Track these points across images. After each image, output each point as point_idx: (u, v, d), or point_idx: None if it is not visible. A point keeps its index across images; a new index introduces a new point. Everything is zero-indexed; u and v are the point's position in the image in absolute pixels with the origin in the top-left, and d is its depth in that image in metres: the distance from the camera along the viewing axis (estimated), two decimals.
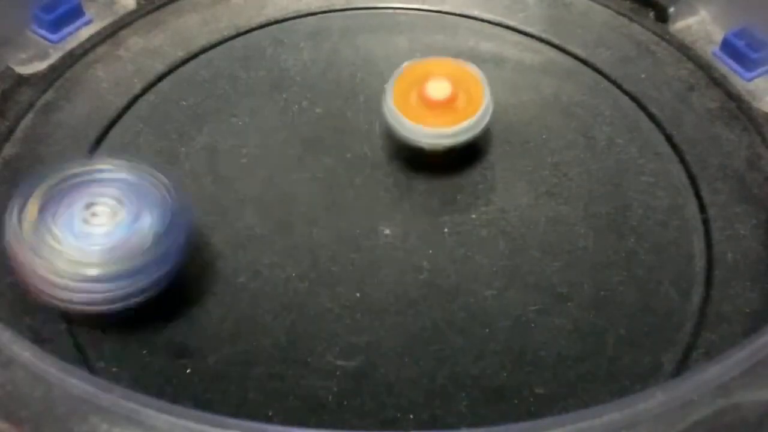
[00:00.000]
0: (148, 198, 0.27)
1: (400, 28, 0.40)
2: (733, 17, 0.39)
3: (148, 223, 0.26)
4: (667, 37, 0.39)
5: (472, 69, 0.33)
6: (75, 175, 0.27)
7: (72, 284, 0.25)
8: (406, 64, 0.34)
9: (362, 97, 0.37)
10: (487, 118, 0.32)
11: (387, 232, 0.32)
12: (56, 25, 0.39)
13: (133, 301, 0.26)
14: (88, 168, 0.27)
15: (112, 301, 0.26)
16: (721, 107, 0.36)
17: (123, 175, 0.27)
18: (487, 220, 0.32)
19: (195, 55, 0.38)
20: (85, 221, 0.26)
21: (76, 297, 0.26)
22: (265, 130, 0.35)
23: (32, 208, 0.26)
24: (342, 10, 0.40)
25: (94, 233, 0.26)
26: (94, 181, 0.27)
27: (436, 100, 0.32)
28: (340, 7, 0.40)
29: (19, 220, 0.25)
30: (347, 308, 0.30)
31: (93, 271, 0.25)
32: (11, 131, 0.35)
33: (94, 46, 0.38)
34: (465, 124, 0.32)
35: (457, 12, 0.40)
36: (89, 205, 0.26)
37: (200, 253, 0.31)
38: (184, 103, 0.36)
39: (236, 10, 0.40)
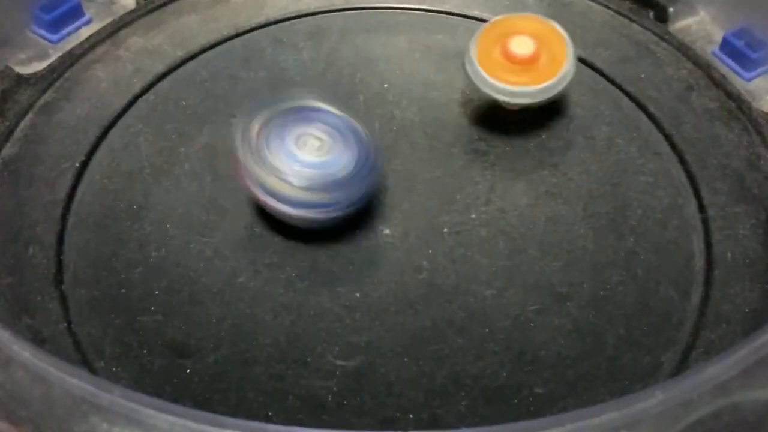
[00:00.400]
0: (348, 138, 0.31)
1: (400, 28, 0.40)
2: (733, 17, 0.39)
3: (346, 160, 0.30)
4: (667, 37, 0.39)
5: (559, 29, 0.34)
6: (293, 109, 0.31)
7: (274, 197, 0.30)
8: (492, 20, 0.34)
9: (362, 97, 0.37)
10: (568, 79, 0.33)
11: (387, 232, 0.32)
12: (56, 25, 0.39)
13: (322, 220, 0.30)
14: (304, 104, 0.32)
15: (307, 217, 0.30)
16: (720, 107, 0.36)
17: (329, 116, 0.31)
18: (487, 220, 0.32)
19: (194, 55, 0.38)
20: (295, 149, 0.30)
21: (278, 206, 0.30)
22: None
23: (253, 129, 0.30)
24: (342, 10, 0.40)
25: (301, 160, 0.30)
26: (306, 116, 0.31)
27: (519, 57, 0.33)
28: (340, 6, 0.40)
29: (244, 136, 0.30)
30: (347, 308, 0.30)
31: (294, 191, 0.29)
32: (11, 131, 0.35)
33: (93, 46, 0.38)
34: (545, 84, 0.33)
35: (457, 12, 0.40)
36: (300, 136, 0.30)
37: (200, 253, 0.31)
38: (184, 103, 0.36)
39: (236, 10, 0.40)
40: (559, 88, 0.33)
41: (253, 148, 0.30)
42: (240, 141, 0.30)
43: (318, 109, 0.31)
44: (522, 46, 0.33)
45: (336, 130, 0.31)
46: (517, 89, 0.33)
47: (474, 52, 0.33)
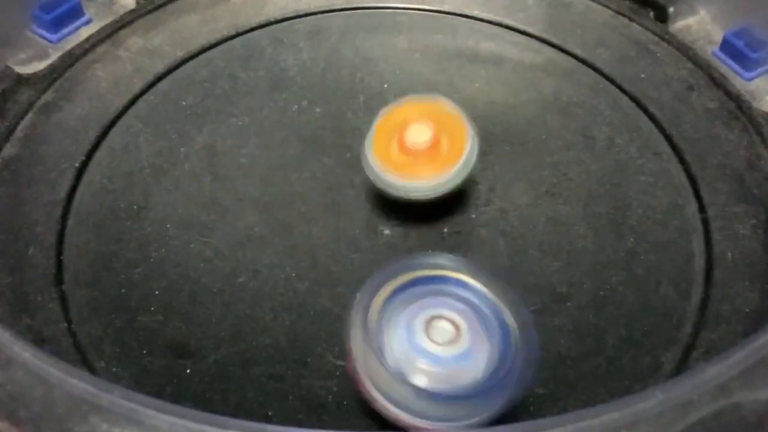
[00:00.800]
0: (491, 329, 0.25)
1: (399, 28, 0.40)
2: (733, 17, 0.39)
3: (484, 358, 0.24)
4: (667, 37, 0.39)
5: (453, 108, 0.31)
6: (425, 279, 0.25)
7: (387, 400, 0.24)
8: (384, 110, 0.31)
9: (362, 97, 0.37)
10: (472, 162, 0.30)
11: (387, 232, 0.32)
12: (56, 25, 0.39)
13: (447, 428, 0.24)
14: (440, 271, 0.26)
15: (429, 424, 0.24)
16: (720, 107, 0.36)
17: (472, 294, 0.25)
18: (487, 220, 0.32)
19: (194, 55, 0.38)
20: (422, 336, 0.24)
21: (391, 410, 0.24)
22: (264, 130, 0.35)
23: (376, 305, 0.25)
24: (342, 10, 0.40)
25: (428, 353, 0.24)
26: (442, 292, 0.25)
27: (417, 148, 0.30)
28: (340, 6, 0.40)
29: (363, 316, 0.24)
30: (347, 308, 0.30)
31: (413, 398, 0.23)
32: (11, 131, 0.35)
33: (93, 46, 0.38)
34: (450, 172, 0.30)
35: (457, 12, 0.40)
36: (429, 320, 0.25)
37: (200, 253, 0.31)
38: (184, 103, 0.36)
39: (236, 10, 0.40)
40: (462, 176, 0.30)
41: (371, 331, 0.24)
42: (358, 320, 0.24)
43: (456, 281, 0.25)
44: (418, 134, 0.30)
45: (474, 311, 0.25)
46: (412, 184, 0.30)
47: (370, 146, 0.30)
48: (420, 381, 0.24)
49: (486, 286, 0.25)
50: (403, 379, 0.24)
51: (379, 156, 0.30)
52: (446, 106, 0.31)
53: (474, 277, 0.26)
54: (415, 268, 0.26)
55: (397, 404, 0.24)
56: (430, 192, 0.30)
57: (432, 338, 0.24)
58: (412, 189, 0.30)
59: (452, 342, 0.24)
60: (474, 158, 0.30)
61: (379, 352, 0.24)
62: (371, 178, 0.31)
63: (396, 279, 0.25)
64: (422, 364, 0.24)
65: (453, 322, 0.25)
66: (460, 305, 0.25)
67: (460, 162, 0.30)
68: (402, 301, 0.25)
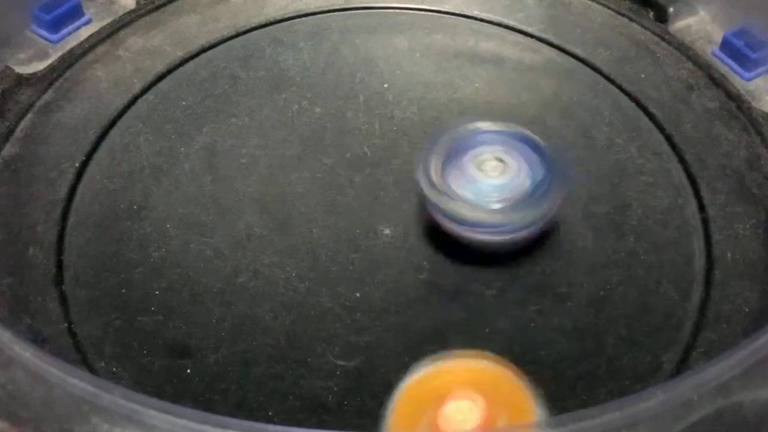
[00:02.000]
0: (526, 154, 0.31)
1: (400, 28, 0.40)
2: (733, 17, 0.39)
3: (529, 176, 0.30)
4: (667, 37, 0.39)
5: (508, 371, 0.24)
6: (465, 136, 0.32)
7: (469, 230, 0.30)
8: (408, 380, 0.24)
9: (362, 97, 0.37)
10: None
11: (387, 232, 0.32)
12: (56, 25, 0.39)
13: (515, 240, 0.30)
14: (473, 129, 0.32)
15: (500, 242, 0.30)
16: (720, 107, 0.36)
17: (503, 135, 0.31)
18: None
19: (194, 55, 0.38)
20: (477, 176, 0.30)
21: (475, 237, 0.30)
22: (264, 130, 0.35)
23: (436, 166, 0.30)
24: (342, 10, 0.40)
25: (484, 186, 0.30)
26: (479, 140, 0.31)
27: None
28: (340, 6, 0.40)
29: (429, 177, 0.30)
30: (347, 308, 0.30)
31: (486, 217, 0.30)
32: (11, 131, 0.35)
33: (93, 46, 0.38)
34: None
35: (457, 12, 0.40)
36: (479, 162, 0.31)
37: (200, 253, 0.31)
38: (184, 103, 0.36)
39: (236, 10, 0.40)
40: None
41: (436, 182, 0.30)
42: (422, 176, 0.30)
43: (494, 131, 0.32)
44: (461, 413, 0.22)
45: (514, 149, 0.31)
46: None
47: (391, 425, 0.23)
48: (486, 212, 0.30)
49: (515, 128, 0.32)
50: (462, 201, 0.30)
51: None
52: (500, 369, 0.24)
53: (505, 125, 0.32)
54: (459, 128, 0.32)
55: (458, 221, 0.30)
56: None
57: (484, 176, 0.30)
58: None
59: (500, 174, 0.30)
60: None
61: (442, 186, 0.30)
62: None
63: (445, 138, 0.31)
64: (478, 190, 0.30)
65: (495, 161, 0.31)
66: (502, 146, 0.31)
67: None
68: (453, 156, 0.31)
